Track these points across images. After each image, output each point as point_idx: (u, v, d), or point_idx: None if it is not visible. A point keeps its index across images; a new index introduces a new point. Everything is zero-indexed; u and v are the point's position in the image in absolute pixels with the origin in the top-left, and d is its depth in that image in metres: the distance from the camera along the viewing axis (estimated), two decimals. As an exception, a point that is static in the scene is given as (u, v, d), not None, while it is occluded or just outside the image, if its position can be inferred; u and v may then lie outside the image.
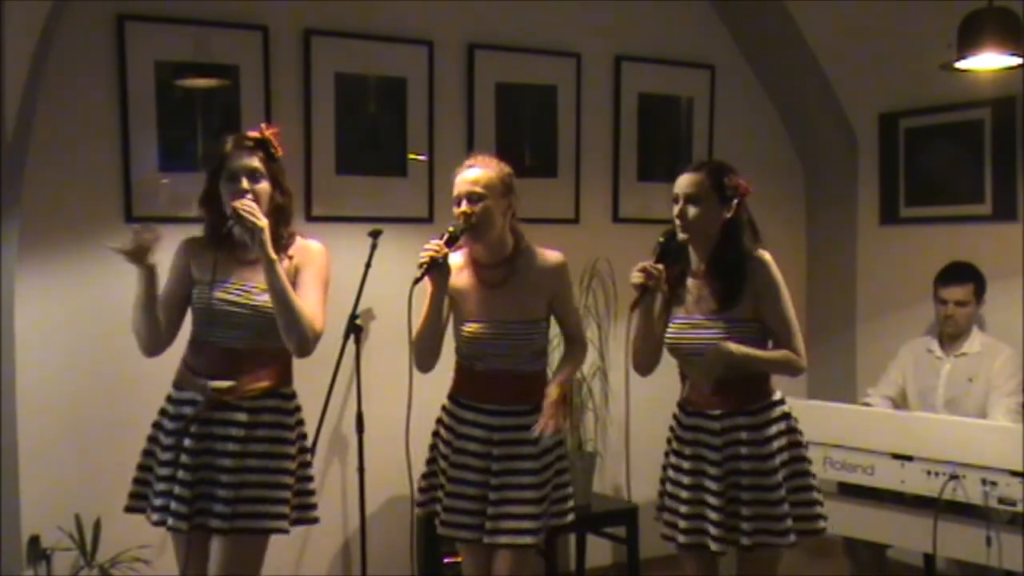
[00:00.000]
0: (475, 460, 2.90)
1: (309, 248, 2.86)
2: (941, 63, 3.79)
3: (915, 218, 4.83)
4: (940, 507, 3.32)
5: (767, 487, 2.81)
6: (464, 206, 2.84)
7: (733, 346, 2.77)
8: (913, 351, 4.27)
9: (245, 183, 2.75)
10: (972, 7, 3.62)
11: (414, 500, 3.03)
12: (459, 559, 4.18)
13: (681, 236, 2.86)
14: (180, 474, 2.74)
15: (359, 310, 4.02)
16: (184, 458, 2.75)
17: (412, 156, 4.37)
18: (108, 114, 3.82)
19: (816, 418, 3.70)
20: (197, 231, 2.93)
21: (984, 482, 3.25)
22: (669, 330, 2.90)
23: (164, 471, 2.79)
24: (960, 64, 3.69)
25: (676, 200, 2.86)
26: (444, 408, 3.02)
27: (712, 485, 2.81)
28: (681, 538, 2.86)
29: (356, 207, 4.23)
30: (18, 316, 3.58)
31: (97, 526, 3.69)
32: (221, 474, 2.75)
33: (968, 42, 3.60)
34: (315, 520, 2.93)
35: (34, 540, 3.63)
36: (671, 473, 2.94)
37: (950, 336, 4.14)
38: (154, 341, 2.84)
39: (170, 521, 2.75)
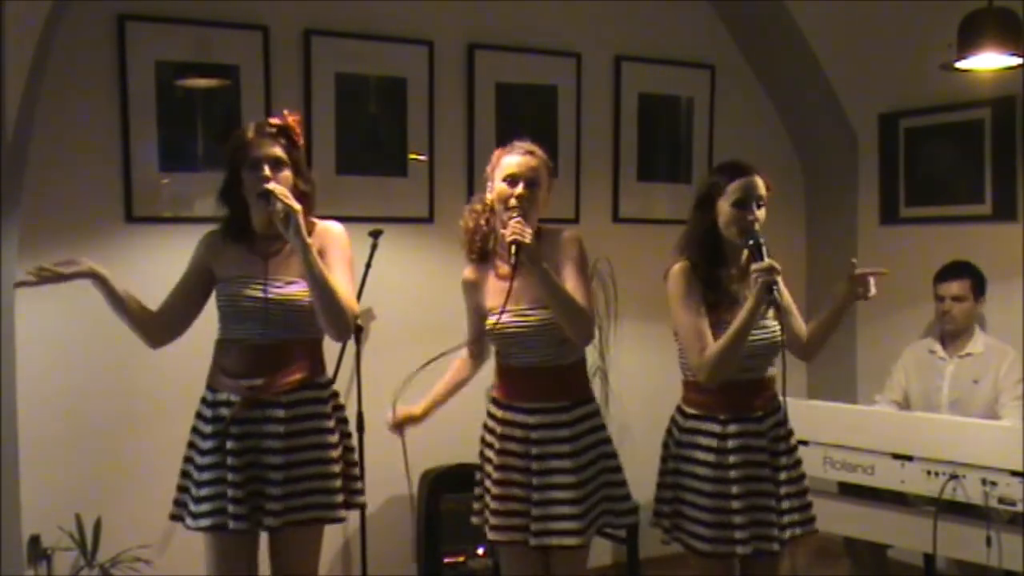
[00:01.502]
0: (517, 460, 2.85)
1: (330, 230, 2.81)
2: (941, 63, 3.79)
3: (915, 218, 4.83)
4: (940, 507, 3.32)
5: (797, 479, 2.90)
6: (521, 188, 2.82)
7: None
8: (915, 353, 4.26)
9: (268, 171, 2.69)
10: (972, 7, 3.63)
11: (473, 513, 3.00)
12: (460, 559, 4.23)
13: (762, 237, 2.78)
14: (230, 476, 2.70)
15: (359, 310, 4.01)
16: (230, 460, 2.71)
17: (412, 156, 4.37)
18: (108, 114, 3.82)
19: (816, 418, 3.71)
20: (199, 231, 2.91)
21: (984, 482, 3.25)
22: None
23: (207, 475, 2.73)
24: (960, 64, 3.69)
25: (746, 203, 2.79)
26: (488, 412, 2.99)
27: (768, 487, 2.82)
28: (740, 548, 2.79)
29: (356, 207, 4.22)
30: (18, 316, 3.57)
31: (97, 526, 3.69)
32: (270, 472, 2.71)
33: (968, 42, 3.61)
34: (362, 505, 2.93)
35: (34, 540, 3.64)
36: (709, 486, 2.82)
37: (950, 334, 4.14)
38: (148, 335, 2.79)
39: (231, 524, 2.69)
